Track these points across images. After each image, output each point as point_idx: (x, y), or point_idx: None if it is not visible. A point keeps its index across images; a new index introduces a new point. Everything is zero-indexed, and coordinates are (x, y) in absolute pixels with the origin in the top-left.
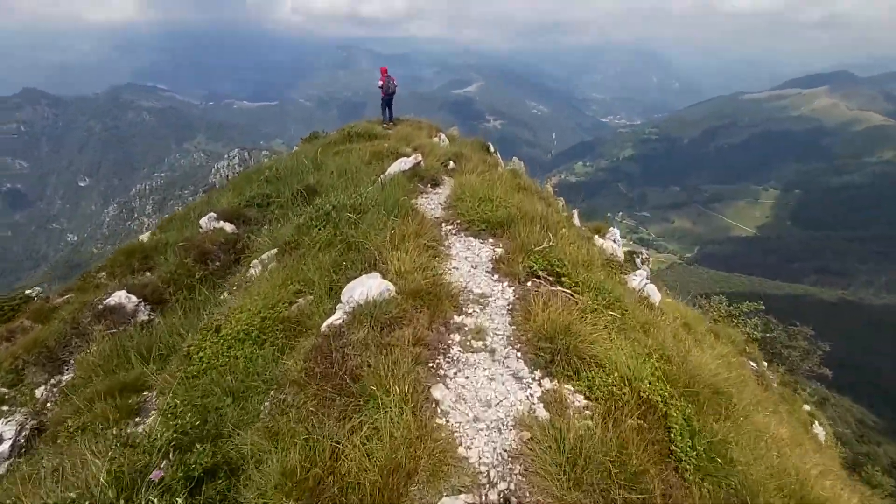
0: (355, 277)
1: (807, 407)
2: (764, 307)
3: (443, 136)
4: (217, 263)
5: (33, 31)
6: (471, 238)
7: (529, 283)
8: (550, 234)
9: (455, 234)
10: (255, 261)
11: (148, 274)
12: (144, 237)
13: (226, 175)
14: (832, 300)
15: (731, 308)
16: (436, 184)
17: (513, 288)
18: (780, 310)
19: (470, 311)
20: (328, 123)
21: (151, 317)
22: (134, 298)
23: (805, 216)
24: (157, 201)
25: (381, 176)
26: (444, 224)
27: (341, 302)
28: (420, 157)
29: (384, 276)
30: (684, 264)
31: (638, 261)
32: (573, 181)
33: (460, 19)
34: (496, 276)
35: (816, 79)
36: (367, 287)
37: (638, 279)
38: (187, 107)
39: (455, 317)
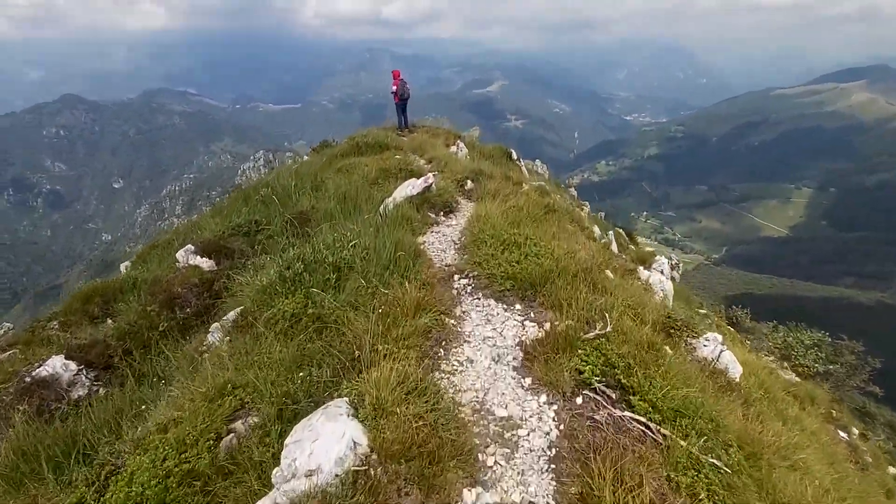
0: (317, 402)
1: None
2: (829, 338)
3: (461, 144)
4: (188, 310)
5: (76, 40)
6: (492, 301)
7: (580, 400)
8: (601, 300)
9: (471, 295)
10: (216, 324)
11: (110, 321)
12: (125, 266)
13: (250, 177)
14: (869, 303)
15: (790, 338)
16: (450, 210)
17: (554, 408)
18: (814, 313)
19: (490, 464)
20: (350, 125)
21: (94, 389)
22: (73, 366)
23: (840, 216)
24: (186, 202)
25: (385, 202)
26: (456, 276)
27: (280, 467)
28: (431, 179)
29: (356, 410)
30: (711, 265)
31: (667, 266)
32: (596, 180)
33: (482, 20)
34: (528, 382)
35: (853, 73)
36: (323, 446)
37: (710, 345)
38: (215, 110)
39: (465, 492)
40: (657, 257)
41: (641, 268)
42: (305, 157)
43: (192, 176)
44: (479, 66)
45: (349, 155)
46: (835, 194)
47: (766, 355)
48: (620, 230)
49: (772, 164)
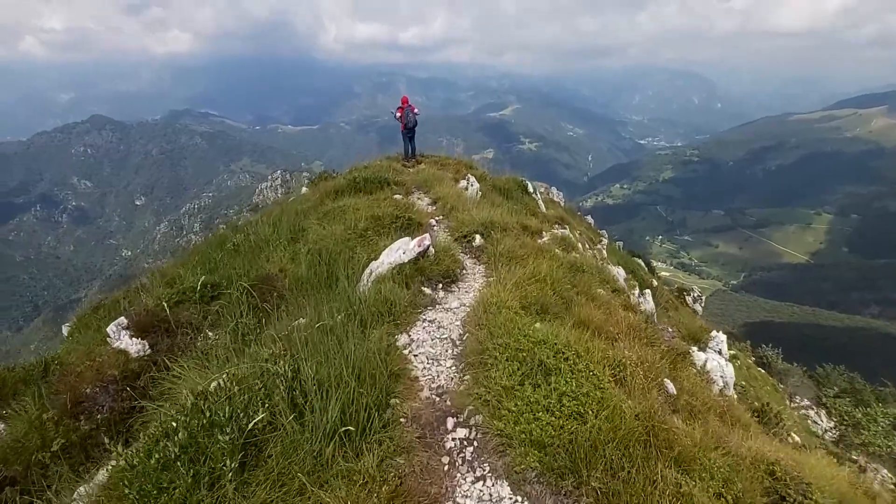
0: None
1: None
2: None
3: (472, 178)
4: (98, 417)
5: (105, 63)
6: (506, 489)
7: None
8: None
9: (472, 469)
10: (82, 488)
11: (2, 426)
12: (66, 328)
13: (268, 197)
14: None
15: (859, 413)
16: (452, 280)
17: None
18: (839, 343)
19: None
20: (367, 146)
21: None
22: None
23: (863, 242)
24: (205, 219)
25: (370, 268)
26: (451, 421)
27: None
28: (427, 242)
29: None
30: (729, 291)
31: (689, 299)
32: (610, 203)
33: (497, 46)
34: None
35: (872, 98)
36: None
37: None
38: (235, 131)
39: None
40: (712, 333)
41: (695, 348)
42: (304, 190)
43: (210, 194)
44: (493, 89)
45: (345, 193)
46: (856, 220)
47: (808, 408)
48: (639, 260)
49: (790, 189)
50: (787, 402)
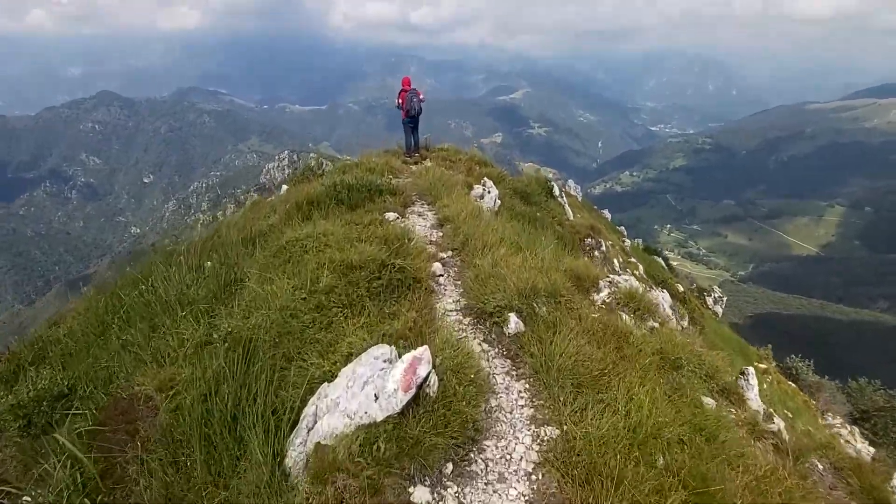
0: None
1: None
2: None
3: (489, 183)
4: None
5: (114, 38)
6: None
7: None
8: None
9: None
10: None
11: None
12: None
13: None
14: None
15: None
16: (469, 448)
17: None
18: (845, 337)
19: None
20: (375, 128)
21: None
22: None
23: (876, 236)
24: (213, 198)
25: (302, 428)
26: None
27: None
28: (426, 368)
29: None
30: (736, 282)
31: (710, 300)
32: (619, 191)
33: (510, 27)
34: None
35: (892, 89)
36: None
37: None
38: (244, 110)
39: None
40: (744, 370)
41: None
42: (284, 189)
43: (218, 173)
44: (504, 72)
45: (321, 205)
46: (870, 214)
47: (840, 426)
48: (658, 259)
49: (803, 180)
50: (820, 421)
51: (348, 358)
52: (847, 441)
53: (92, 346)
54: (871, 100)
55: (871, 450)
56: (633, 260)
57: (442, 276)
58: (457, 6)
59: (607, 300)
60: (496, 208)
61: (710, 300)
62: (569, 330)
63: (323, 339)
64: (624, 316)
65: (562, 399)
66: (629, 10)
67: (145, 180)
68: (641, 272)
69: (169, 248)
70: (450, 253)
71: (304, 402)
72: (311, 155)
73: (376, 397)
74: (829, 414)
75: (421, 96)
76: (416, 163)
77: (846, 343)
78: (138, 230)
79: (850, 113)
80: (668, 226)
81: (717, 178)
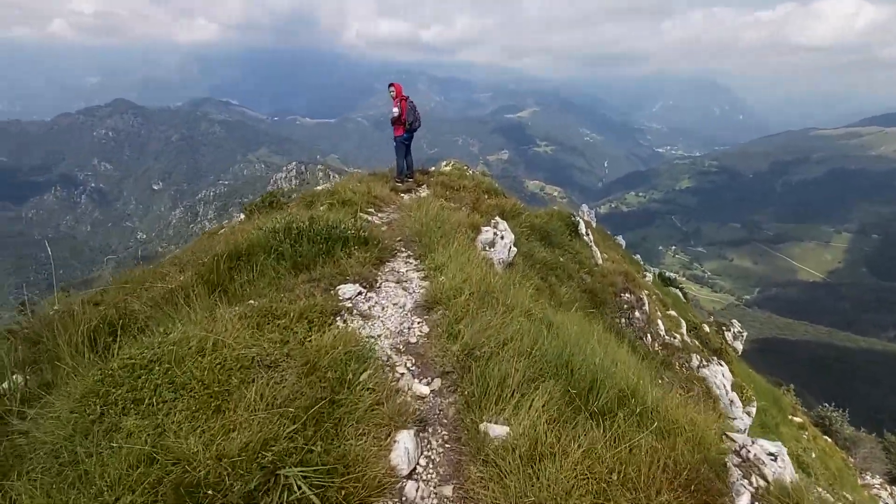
0: None
1: None
2: None
3: (501, 226)
4: None
5: (132, 49)
6: None
7: None
8: None
9: None
10: None
11: None
12: None
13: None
14: None
15: None
16: None
17: None
18: (853, 364)
19: None
20: (382, 143)
21: None
22: None
23: (883, 264)
24: (219, 207)
25: None
26: None
27: None
28: None
29: None
30: (742, 306)
31: (729, 335)
32: (625, 210)
33: (518, 48)
34: None
35: None
36: None
37: None
38: (254, 121)
39: None
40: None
41: None
42: (240, 218)
43: (226, 182)
44: (512, 91)
45: (252, 259)
46: (877, 241)
47: (880, 486)
48: (676, 291)
49: (810, 205)
50: (858, 481)
51: None
52: (886, 503)
53: None
54: (877, 127)
55: None
56: (672, 313)
57: (414, 480)
58: (468, 26)
59: None
60: (511, 258)
61: (729, 335)
62: None
63: None
64: None
65: None
66: (635, 36)
67: (154, 187)
68: (684, 332)
69: None
70: (437, 385)
71: None
72: (319, 166)
73: None
74: (867, 473)
75: (417, 112)
76: (408, 190)
77: (856, 371)
78: (144, 236)
79: (856, 140)
80: (674, 247)
81: (723, 200)
